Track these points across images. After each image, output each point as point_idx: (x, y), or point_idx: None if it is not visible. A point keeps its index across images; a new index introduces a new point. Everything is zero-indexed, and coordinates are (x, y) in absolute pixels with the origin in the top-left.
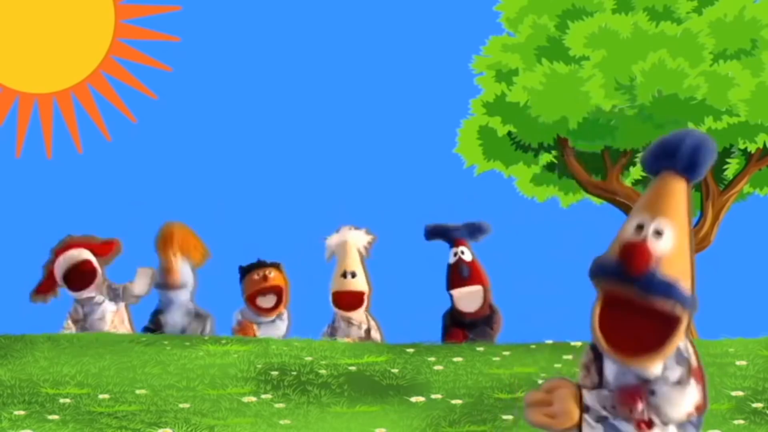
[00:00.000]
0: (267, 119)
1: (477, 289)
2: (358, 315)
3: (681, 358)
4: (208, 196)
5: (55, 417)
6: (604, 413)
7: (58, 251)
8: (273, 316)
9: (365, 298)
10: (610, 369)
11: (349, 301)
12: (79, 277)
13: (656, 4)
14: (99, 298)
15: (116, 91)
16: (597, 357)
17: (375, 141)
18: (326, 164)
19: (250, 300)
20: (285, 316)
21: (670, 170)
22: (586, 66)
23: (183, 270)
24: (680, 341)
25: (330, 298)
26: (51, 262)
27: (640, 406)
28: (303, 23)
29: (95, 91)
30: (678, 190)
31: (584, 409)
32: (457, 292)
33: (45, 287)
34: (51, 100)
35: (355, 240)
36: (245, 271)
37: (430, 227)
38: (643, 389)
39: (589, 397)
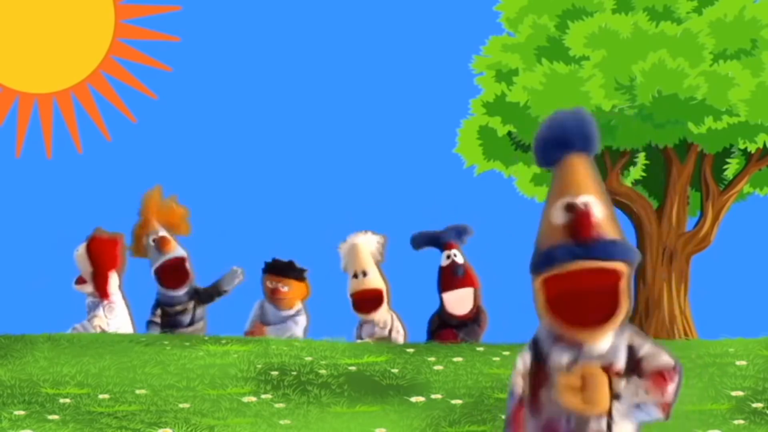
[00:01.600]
0: (266, 119)
1: (468, 291)
2: (380, 315)
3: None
4: (207, 196)
5: (55, 417)
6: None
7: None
8: (290, 310)
9: (383, 295)
10: (556, 359)
11: (366, 300)
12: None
13: (656, 4)
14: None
15: (116, 91)
16: (535, 358)
17: (374, 141)
18: (325, 164)
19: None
20: (299, 319)
21: (568, 154)
22: (586, 66)
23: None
24: (628, 298)
25: (350, 304)
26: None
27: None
28: (303, 23)
29: (95, 91)
30: (583, 167)
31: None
32: (448, 296)
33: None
34: (51, 100)
35: (365, 243)
36: (267, 269)
37: (417, 236)
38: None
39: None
